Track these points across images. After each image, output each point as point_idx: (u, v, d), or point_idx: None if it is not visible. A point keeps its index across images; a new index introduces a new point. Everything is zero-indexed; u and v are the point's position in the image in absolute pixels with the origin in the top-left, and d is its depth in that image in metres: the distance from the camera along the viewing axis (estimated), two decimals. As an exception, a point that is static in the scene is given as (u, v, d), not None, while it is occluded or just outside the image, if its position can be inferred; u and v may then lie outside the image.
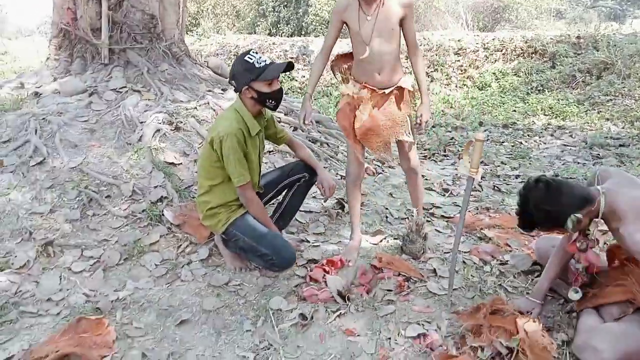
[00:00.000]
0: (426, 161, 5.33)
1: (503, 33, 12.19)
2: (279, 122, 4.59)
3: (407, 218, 3.31)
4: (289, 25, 18.27)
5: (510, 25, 19.35)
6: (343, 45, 8.92)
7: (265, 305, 2.46)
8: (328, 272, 2.65)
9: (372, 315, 2.34)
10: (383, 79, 2.66)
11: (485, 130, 6.87)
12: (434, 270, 2.68)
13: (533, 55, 10.32)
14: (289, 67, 2.55)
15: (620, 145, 5.66)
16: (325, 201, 3.19)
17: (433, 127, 7.05)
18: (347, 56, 2.84)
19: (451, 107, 8.69)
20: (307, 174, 2.93)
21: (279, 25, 18.48)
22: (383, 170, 4.48)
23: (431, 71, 10.50)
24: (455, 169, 5.07)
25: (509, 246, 2.97)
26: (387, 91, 2.68)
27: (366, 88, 2.69)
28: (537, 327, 1.98)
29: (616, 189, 1.95)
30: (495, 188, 4.31)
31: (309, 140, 4.46)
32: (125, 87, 4.25)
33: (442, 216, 3.54)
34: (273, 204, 3.12)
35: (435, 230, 3.29)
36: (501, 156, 5.44)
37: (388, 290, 2.51)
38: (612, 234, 2.02)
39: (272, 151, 4.15)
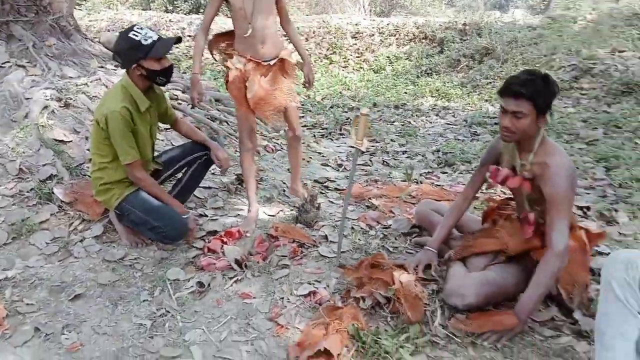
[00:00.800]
0: (323, 140, 5.56)
1: (397, 19, 12.81)
2: (176, 99, 4.56)
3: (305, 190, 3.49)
4: (187, 3, 17.69)
5: (405, 11, 20.25)
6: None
7: (162, 277, 2.52)
8: (226, 243, 2.76)
9: (268, 279, 2.49)
10: (266, 52, 2.84)
11: (378, 111, 7.27)
12: (326, 236, 2.89)
13: (424, 40, 11.00)
14: (178, 41, 2.59)
15: (495, 124, 6.29)
16: (223, 173, 3.25)
17: (331, 107, 7.33)
18: (225, 35, 2.94)
19: (348, 89, 9.04)
20: (208, 152, 2.98)
21: (175, 2, 17.83)
22: (282, 148, 4.63)
23: (329, 54, 10.81)
24: (350, 146, 5.36)
25: (393, 213, 3.26)
26: (271, 62, 2.87)
27: (251, 61, 2.84)
28: (410, 278, 2.25)
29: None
30: (385, 163, 4.65)
31: (209, 119, 4.48)
32: (8, 62, 3.98)
33: (336, 189, 3.78)
34: (172, 180, 3.15)
35: (329, 201, 3.51)
36: (391, 134, 5.82)
37: (283, 256, 2.68)
38: (532, 166, 2.14)
39: (170, 128, 4.13)
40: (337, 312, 2.14)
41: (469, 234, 2.51)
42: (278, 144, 4.70)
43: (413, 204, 3.52)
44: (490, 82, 8.39)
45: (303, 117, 6.83)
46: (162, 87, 2.80)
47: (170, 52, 2.75)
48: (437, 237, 2.52)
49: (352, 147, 2.44)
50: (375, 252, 2.71)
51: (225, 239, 2.77)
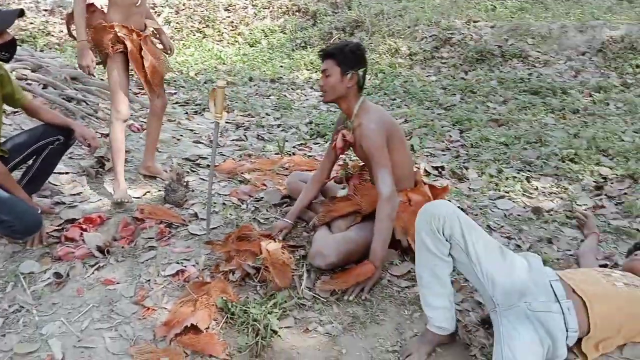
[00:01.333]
0: (196, 116, 5.41)
1: (270, -9, 12.67)
2: (26, 79, 4.14)
3: (169, 168, 3.38)
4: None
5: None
6: None
7: (14, 271, 2.32)
8: (86, 230, 2.60)
9: (133, 263, 2.41)
10: (141, 21, 2.92)
11: (254, 85, 7.22)
12: (196, 214, 2.85)
13: (297, 13, 11.02)
14: (21, 14, 2.35)
15: (366, 95, 6.56)
16: (92, 153, 3.01)
17: (205, 83, 7.13)
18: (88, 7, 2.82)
19: (223, 64, 8.83)
20: (62, 136, 2.73)
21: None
22: (149, 127, 4.42)
23: (202, 27, 10.45)
24: (227, 122, 5.28)
25: (265, 185, 3.29)
26: (147, 32, 2.95)
27: (134, 32, 2.85)
28: (277, 246, 2.31)
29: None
30: (259, 137, 4.65)
31: (64, 99, 4.14)
32: None
33: (208, 165, 3.71)
34: (22, 168, 2.87)
35: (200, 178, 3.45)
36: (267, 108, 5.83)
37: (149, 238, 2.60)
38: (354, 130, 2.38)
39: (18, 112, 3.76)
40: (205, 288, 2.14)
41: (331, 199, 2.62)
42: (146, 123, 4.47)
43: (286, 175, 3.58)
44: (362, 54, 8.69)
45: (175, 93, 6.57)
46: (6, 67, 2.53)
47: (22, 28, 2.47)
48: (294, 209, 2.66)
49: (210, 119, 2.41)
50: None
51: (84, 226, 2.62)
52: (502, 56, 7.53)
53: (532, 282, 1.74)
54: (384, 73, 7.63)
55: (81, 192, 3.05)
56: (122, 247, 2.54)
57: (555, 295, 1.73)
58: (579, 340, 1.77)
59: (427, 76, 7.51)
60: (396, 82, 6.91)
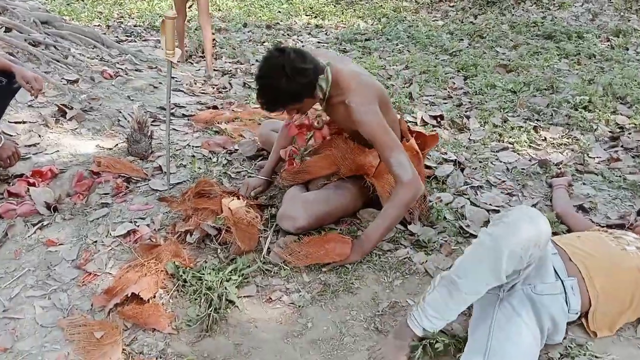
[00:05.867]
0: (182, 64, 5.04)
1: None
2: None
3: (130, 117, 3.07)
4: None
5: None
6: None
7: (-56, 231, 2.07)
8: (34, 185, 2.33)
9: (82, 222, 2.14)
10: None
11: (248, 31, 6.78)
12: (160, 168, 2.56)
13: (298, -45, 10.36)
14: None
15: (366, 40, 6.12)
16: (35, 96, 2.68)
17: (195, 29, 6.69)
18: None
19: (218, 10, 8.33)
20: (3, 78, 2.43)
21: None
22: (126, 73, 4.09)
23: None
24: (213, 68, 4.91)
25: (243, 136, 2.98)
26: None
27: None
28: (240, 204, 2.02)
29: (335, 63, 1.91)
30: (245, 85, 4.30)
31: (29, 43, 3.79)
32: None
33: (183, 115, 3.40)
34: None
35: (174, 129, 3.13)
36: (258, 55, 5.43)
37: (105, 194, 2.32)
38: (332, 109, 1.97)
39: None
40: (154, 251, 1.87)
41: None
42: (122, 69, 4.13)
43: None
44: (365, -2, 8.15)
45: (163, 41, 6.17)
46: None
47: None
48: (268, 164, 2.35)
49: (161, 58, 2.08)
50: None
51: (33, 180, 2.34)
52: (515, -2, 6.98)
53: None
54: (387, 17, 7.14)
55: (37, 143, 2.76)
56: (75, 203, 2.27)
57: (556, 271, 1.44)
58: (584, 314, 1.50)
59: (433, 20, 7.01)
60: (400, 27, 6.43)
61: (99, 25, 6.87)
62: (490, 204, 2.28)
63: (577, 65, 4.60)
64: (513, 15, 6.61)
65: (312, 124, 2.08)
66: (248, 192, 2.24)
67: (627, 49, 5.24)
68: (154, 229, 2.07)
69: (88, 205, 2.25)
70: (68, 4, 8.73)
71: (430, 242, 2.00)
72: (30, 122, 2.94)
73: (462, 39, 5.94)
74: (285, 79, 1.75)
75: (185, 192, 2.14)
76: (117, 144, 2.82)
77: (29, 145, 2.72)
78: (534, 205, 2.30)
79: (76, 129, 2.93)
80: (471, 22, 6.68)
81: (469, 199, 2.31)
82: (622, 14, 6.27)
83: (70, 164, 2.57)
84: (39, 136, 2.82)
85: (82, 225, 2.11)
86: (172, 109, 3.48)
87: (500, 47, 5.42)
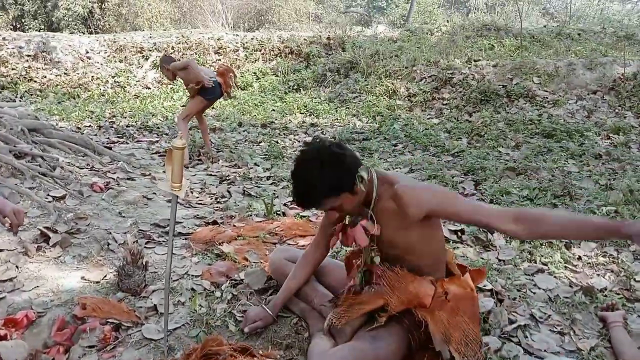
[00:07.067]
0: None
1: (262, 33, 12.38)
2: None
3: (124, 243, 2.75)
4: (36, 20, 15.98)
5: (274, 27, 20.03)
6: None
7: None
8: (6, 337, 1.96)
9: (59, 389, 1.76)
10: None
11: (244, 131, 6.69)
12: (155, 307, 2.21)
13: (290, 55, 10.67)
14: None
15: (364, 139, 6.03)
16: (15, 234, 2.39)
17: (190, 129, 6.58)
18: None
19: (212, 108, 8.32)
20: None
21: (23, 20, 16.05)
22: (118, 184, 3.83)
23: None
24: (209, 173, 4.70)
25: (247, 260, 2.67)
26: None
27: None
28: (257, 368, 1.67)
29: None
30: (245, 192, 4.05)
31: (14, 155, 3.55)
32: None
33: (180, 233, 3.10)
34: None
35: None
36: (256, 157, 5.27)
37: (89, 347, 1.95)
38: (380, 214, 1.76)
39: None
40: None
41: (341, 290, 1.99)
42: (114, 179, 3.88)
43: (274, 244, 2.97)
44: (357, 96, 8.24)
45: (157, 141, 6.03)
46: None
47: None
48: (278, 298, 2.07)
49: (165, 191, 1.81)
50: (219, 324, 2.11)
51: (4, 331, 1.97)
52: (508, 96, 7.08)
53: None
54: (382, 116, 7.14)
55: (14, 277, 2.41)
56: (53, 359, 1.89)
57: None
58: None
59: (428, 118, 7.02)
60: (396, 126, 6.39)
61: (89, 125, 6.76)
62: (545, 350, 1.95)
63: (587, 167, 4.47)
64: (508, 112, 6.64)
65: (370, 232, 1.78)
66: (245, 327, 1.99)
67: (630, 147, 5.19)
68: (150, 400, 1.69)
69: (68, 363, 1.87)
70: (59, 102, 8.71)
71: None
72: (7, 249, 2.61)
73: (461, 137, 5.88)
74: (320, 168, 1.61)
75: (188, 354, 1.78)
76: (105, 276, 2.48)
77: (4, 281, 2.37)
78: (589, 352, 1.98)
79: (60, 256, 2.61)
80: (467, 120, 6.69)
81: (519, 343, 1.99)
82: (616, 110, 6.33)
83: (51, 304, 2.21)
84: (17, 268, 2.47)
85: (59, 396, 1.73)
86: (166, 226, 3.19)
87: (502, 146, 5.34)
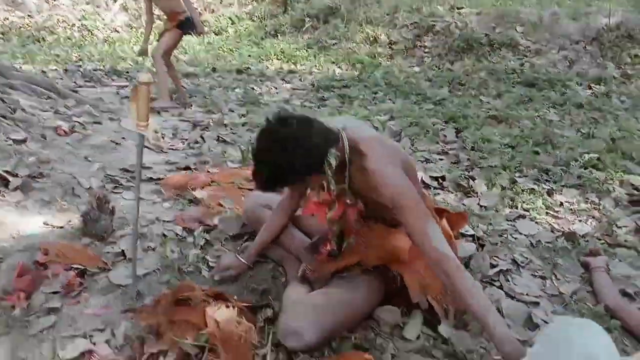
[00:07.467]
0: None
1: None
2: None
3: (90, 188, 2.60)
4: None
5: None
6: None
7: None
8: (-40, 284, 1.83)
9: (19, 337, 1.64)
10: None
11: (218, 77, 6.43)
12: (123, 252, 2.09)
13: (266, -1, 10.24)
14: None
15: (343, 87, 5.85)
16: None
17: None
18: None
19: (185, 53, 7.98)
20: None
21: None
22: (84, 128, 3.62)
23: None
24: (181, 119, 4.50)
25: (222, 206, 2.56)
26: None
27: None
28: (231, 314, 1.58)
29: (349, 126, 1.61)
30: (220, 139, 3.89)
31: (-31, 96, 3.30)
32: None
33: (151, 178, 2.94)
34: None
35: (139, 197, 2.67)
36: (231, 103, 5.07)
37: (53, 292, 1.84)
38: (349, 179, 1.62)
39: None
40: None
41: (317, 236, 1.89)
42: (80, 122, 3.66)
43: (251, 189, 2.85)
44: (337, 43, 7.98)
45: (126, 86, 5.73)
46: None
47: None
48: (254, 246, 1.97)
49: (131, 130, 1.66)
50: (191, 270, 2.01)
51: (-42, 278, 1.84)
52: (490, 45, 6.93)
53: None
54: (362, 63, 6.94)
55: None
56: (12, 307, 1.77)
57: None
58: None
59: (409, 67, 6.86)
60: (377, 74, 6.22)
61: (55, 69, 6.39)
62: (526, 294, 1.92)
63: (568, 116, 4.42)
64: (490, 62, 6.52)
65: (341, 201, 1.67)
66: (218, 272, 1.91)
67: (610, 97, 5.15)
68: (116, 347, 1.60)
69: (30, 310, 1.76)
70: (23, 46, 8.23)
71: (468, 353, 1.61)
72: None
73: (442, 86, 5.76)
74: (287, 156, 1.43)
75: (159, 300, 1.68)
76: (69, 221, 2.33)
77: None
78: (572, 296, 1.96)
79: (21, 201, 2.44)
80: (449, 68, 6.56)
81: (501, 287, 1.95)
82: (598, 61, 6.26)
83: (11, 250, 2.06)
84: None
85: (20, 343, 1.62)
86: (134, 171, 3.03)
87: (484, 95, 5.25)
